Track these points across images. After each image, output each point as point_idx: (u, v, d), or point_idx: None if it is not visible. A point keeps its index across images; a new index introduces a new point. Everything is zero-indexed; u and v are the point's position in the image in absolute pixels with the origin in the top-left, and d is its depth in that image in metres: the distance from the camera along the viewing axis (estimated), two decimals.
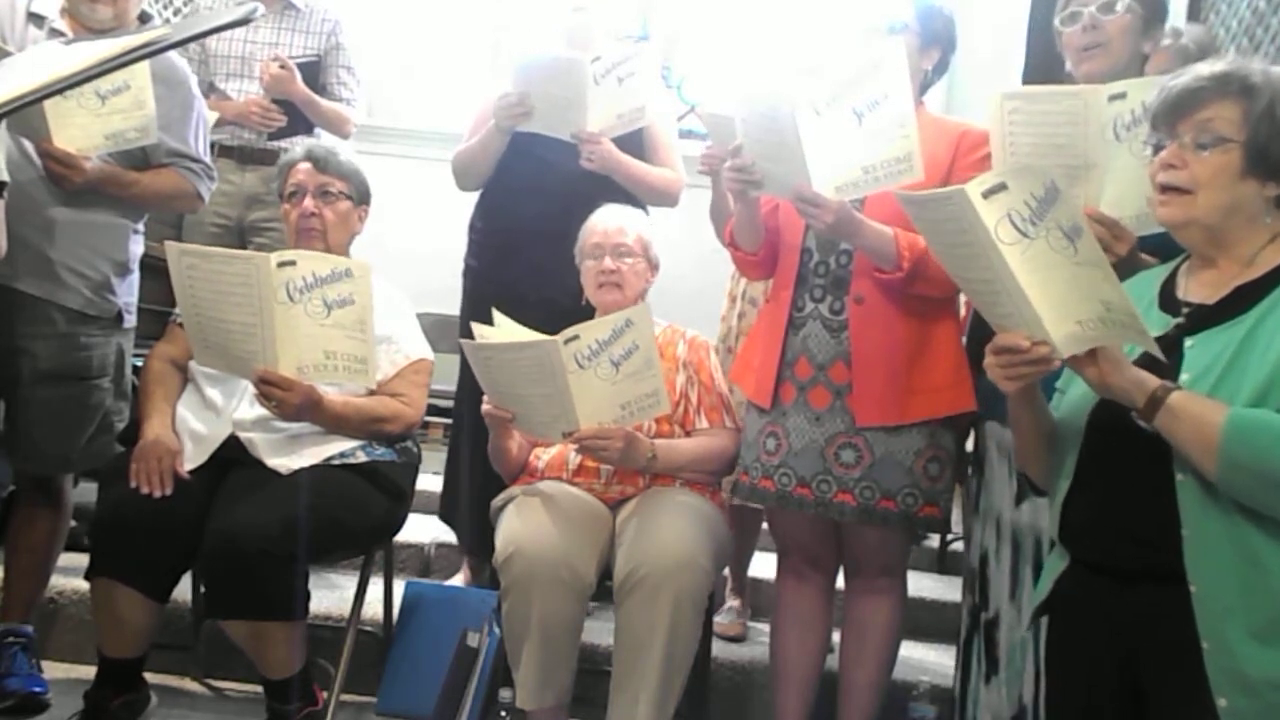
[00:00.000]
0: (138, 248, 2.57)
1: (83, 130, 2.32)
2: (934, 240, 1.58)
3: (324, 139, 3.45)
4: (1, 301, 2.35)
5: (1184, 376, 1.52)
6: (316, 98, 3.39)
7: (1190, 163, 1.53)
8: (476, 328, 2.33)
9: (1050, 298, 1.43)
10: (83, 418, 2.45)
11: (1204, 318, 1.56)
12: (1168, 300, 1.63)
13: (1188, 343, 1.55)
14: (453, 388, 2.98)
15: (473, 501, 2.65)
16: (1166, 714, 1.51)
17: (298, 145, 2.85)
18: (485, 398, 2.32)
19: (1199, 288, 1.60)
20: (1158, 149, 1.58)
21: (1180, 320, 1.58)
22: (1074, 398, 1.65)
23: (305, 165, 2.52)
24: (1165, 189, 1.56)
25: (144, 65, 2.32)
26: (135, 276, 2.57)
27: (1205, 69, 1.56)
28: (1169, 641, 1.49)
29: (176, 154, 2.53)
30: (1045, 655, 1.71)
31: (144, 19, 2.58)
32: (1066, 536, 1.65)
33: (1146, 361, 1.50)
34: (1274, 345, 1.47)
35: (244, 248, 3.39)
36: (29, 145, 2.35)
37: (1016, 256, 1.41)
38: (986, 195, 1.41)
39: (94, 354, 2.45)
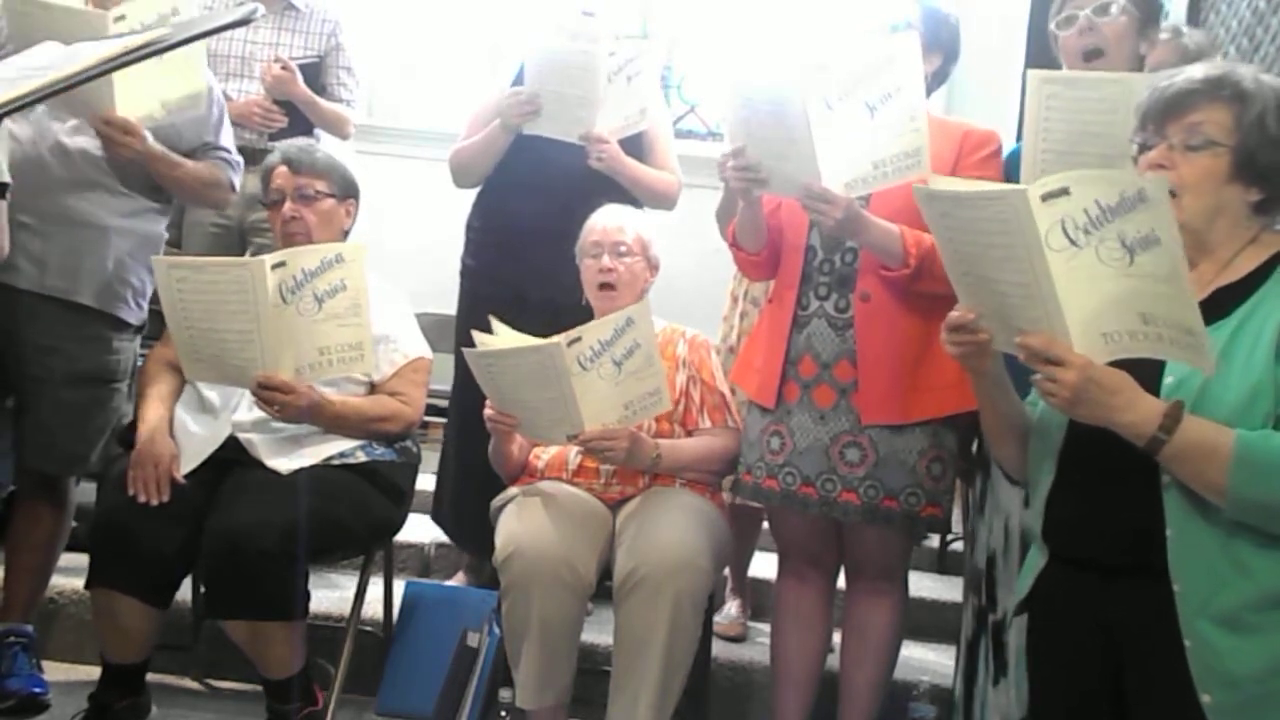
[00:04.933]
0: None
1: (141, 98, 2.36)
2: (958, 237, 1.54)
3: (323, 138, 3.45)
4: (47, 305, 2.39)
5: (1168, 380, 1.53)
6: (317, 99, 3.39)
7: (1178, 164, 1.54)
8: (477, 336, 2.32)
9: (1084, 308, 1.42)
10: (105, 420, 2.48)
11: None
12: None
13: None
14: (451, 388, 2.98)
15: (472, 501, 2.65)
16: (1151, 711, 1.53)
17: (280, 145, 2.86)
18: (488, 404, 2.32)
19: None
20: (1143, 148, 1.59)
21: None
22: None
23: (282, 169, 2.51)
24: None
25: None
26: None
27: (1199, 71, 1.57)
28: (1151, 638, 1.51)
29: (213, 147, 2.59)
30: (1028, 652, 1.72)
31: None
32: (1049, 532, 1.67)
33: (1133, 362, 1.49)
34: (1257, 351, 1.49)
35: (244, 248, 3.40)
36: (79, 147, 2.40)
37: (1061, 264, 1.40)
38: (1046, 199, 1.39)
39: (121, 358, 2.50)
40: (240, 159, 2.68)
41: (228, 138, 2.65)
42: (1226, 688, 1.45)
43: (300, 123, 3.40)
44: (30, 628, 2.51)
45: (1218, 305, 1.54)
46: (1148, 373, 1.50)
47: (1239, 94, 1.53)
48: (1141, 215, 1.39)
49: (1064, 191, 1.39)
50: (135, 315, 2.52)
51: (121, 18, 2.30)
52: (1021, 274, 1.44)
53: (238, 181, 2.66)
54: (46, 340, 2.39)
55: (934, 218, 1.57)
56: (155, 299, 2.65)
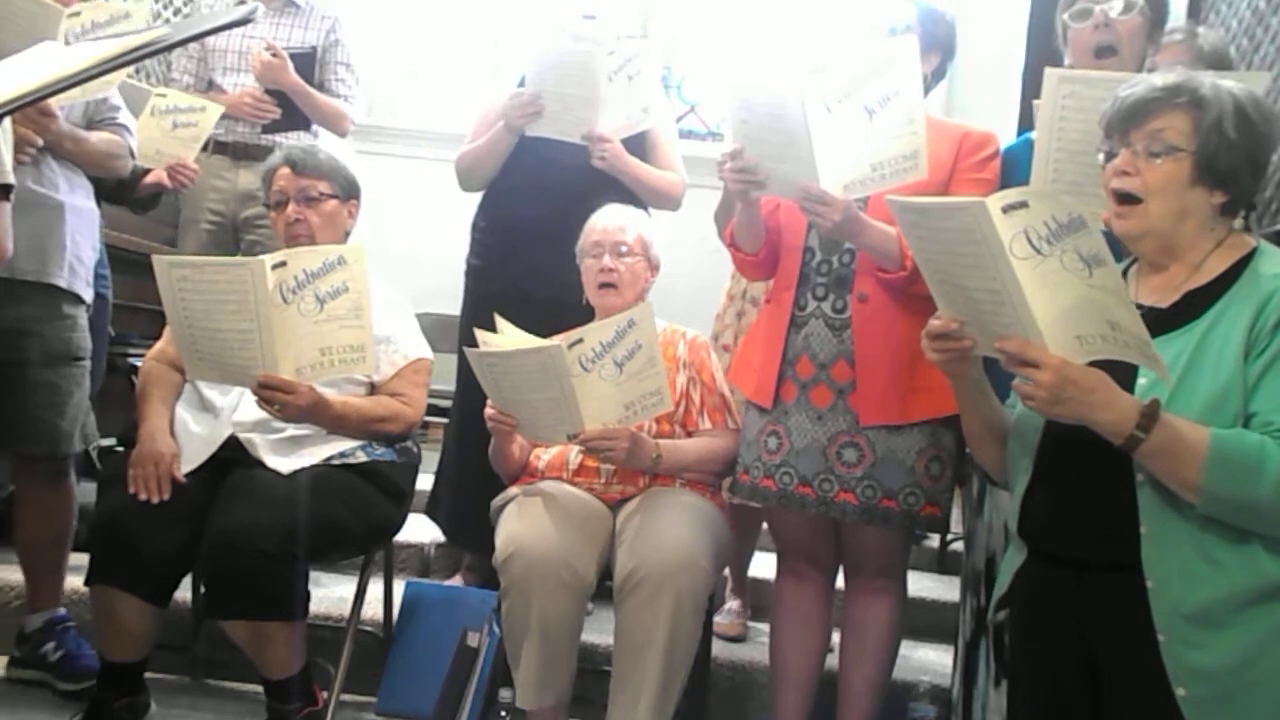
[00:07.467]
0: None
1: None
2: (930, 246, 1.59)
3: (322, 136, 3.45)
4: (18, 289, 2.39)
5: (1141, 381, 1.57)
6: (310, 89, 3.37)
7: (1142, 170, 1.59)
8: (480, 334, 2.32)
9: (1054, 312, 1.47)
10: (81, 397, 2.50)
11: (1157, 321, 1.59)
12: None
13: None
14: (452, 388, 2.98)
15: (472, 501, 2.65)
16: (1127, 704, 1.56)
17: (282, 146, 2.86)
18: (489, 403, 2.32)
19: (1149, 292, 1.66)
20: (1110, 156, 1.63)
21: None
22: None
23: (284, 170, 2.51)
24: (1120, 200, 1.61)
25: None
26: None
27: (1158, 80, 1.62)
28: (1127, 633, 1.54)
29: (113, 108, 2.58)
30: (1009, 647, 1.76)
31: None
32: (1026, 529, 1.71)
33: (1106, 364, 1.52)
34: (1226, 352, 1.53)
35: (238, 245, 3.40)
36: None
37: (1027, 271, 1.44)
38: (1006, 210, 1.43)
39: (82, 335, 2.52)
40: (131, 123, 2.66)
41: (116, 95, 2.63)
42: (1200, 681, 1.48)
43: (298, 118, 3.39)
44: (65, 611, 2.57)
45: (1189, 308, 1.59)
46: (1122, 374, 1.54)
47: (1196, 100, 1.58)
48: (1085, 237, 1.45)
49: (1023, 204, 1.44)
50: (88, 292, 2.55)
51: (76, 14, 2.37)
52: (991, 280, 1.48)
53: (134, 145, 2.65)
54: (22, 325, 2.40)
55: (907, 227, 1.62)
56: (144, 297, 2.67)
